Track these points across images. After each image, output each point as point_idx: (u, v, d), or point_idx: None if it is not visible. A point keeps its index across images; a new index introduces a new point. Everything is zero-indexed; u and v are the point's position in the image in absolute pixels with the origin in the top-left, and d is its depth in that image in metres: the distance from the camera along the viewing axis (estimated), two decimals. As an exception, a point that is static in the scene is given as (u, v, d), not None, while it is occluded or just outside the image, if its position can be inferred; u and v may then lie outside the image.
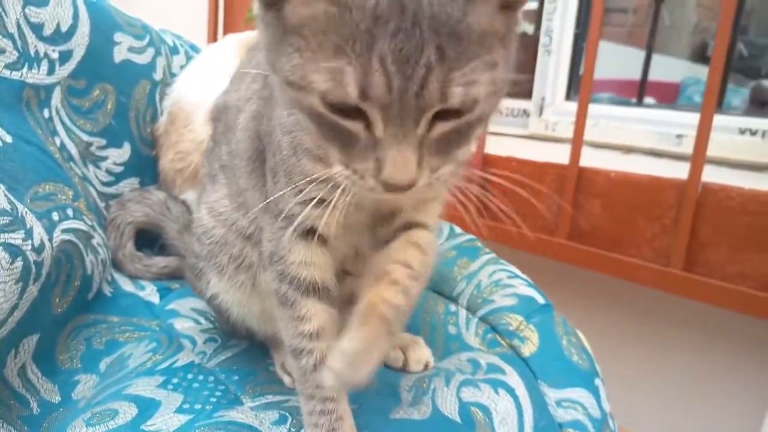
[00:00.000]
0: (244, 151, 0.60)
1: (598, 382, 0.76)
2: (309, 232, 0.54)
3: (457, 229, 1.00)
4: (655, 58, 1.61)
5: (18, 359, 0.61)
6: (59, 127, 0.79)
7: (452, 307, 0.84)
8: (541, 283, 0.88)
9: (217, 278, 0.66)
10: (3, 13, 0.70)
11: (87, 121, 0.84)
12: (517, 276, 0.87)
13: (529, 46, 1.72)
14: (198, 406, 0.62)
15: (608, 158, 1.45)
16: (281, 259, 0.55)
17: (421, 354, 0.73)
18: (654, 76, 1.63)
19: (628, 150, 1.53)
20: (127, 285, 0.86)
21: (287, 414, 0.59)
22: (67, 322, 0.71)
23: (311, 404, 0.55)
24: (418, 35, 0.36)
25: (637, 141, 1.52)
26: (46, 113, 0.77)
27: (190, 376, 0.68)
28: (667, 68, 1.77)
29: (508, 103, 1.81)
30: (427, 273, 0.55)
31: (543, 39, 1.68)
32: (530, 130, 1.73)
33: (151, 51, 0.94)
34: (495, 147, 1.47)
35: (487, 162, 1.39)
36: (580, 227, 1.29)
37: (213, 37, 2.09)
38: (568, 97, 1.67)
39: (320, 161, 0.48)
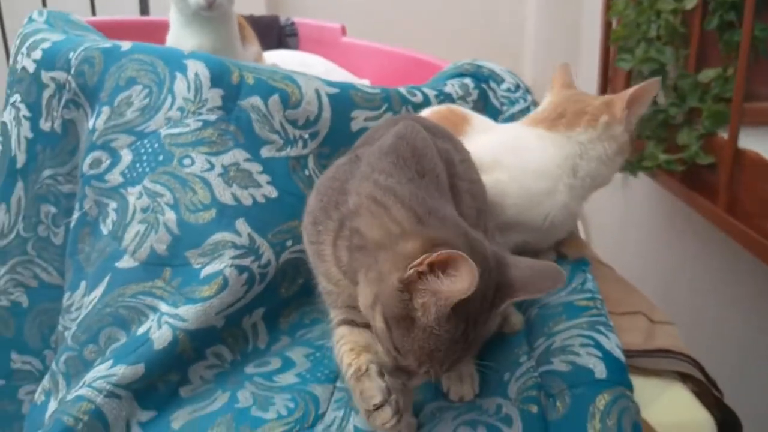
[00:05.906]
0: None
1: None
2: None
3: (589, 283, 1.00)
4: None
5: (251, 319, 1.12)
6: (315, 180, 1.26)
7: (522, 358, 0.94)
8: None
9: None
10: (270, 118, 1.20)
11: (334, 173, 1.28)
12: (594, 345, 0.89)
13: None
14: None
15: None
16: None
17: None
18: None
19: None
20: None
21: None
22: (293, 301, 1.18)
23: None
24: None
25: None
26: (306, 173, 1.24)
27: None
28: None
29: None
30: None
31: None
32: None
33: (388, 114, 1.31)
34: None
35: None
36: None
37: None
38: None
39: None
